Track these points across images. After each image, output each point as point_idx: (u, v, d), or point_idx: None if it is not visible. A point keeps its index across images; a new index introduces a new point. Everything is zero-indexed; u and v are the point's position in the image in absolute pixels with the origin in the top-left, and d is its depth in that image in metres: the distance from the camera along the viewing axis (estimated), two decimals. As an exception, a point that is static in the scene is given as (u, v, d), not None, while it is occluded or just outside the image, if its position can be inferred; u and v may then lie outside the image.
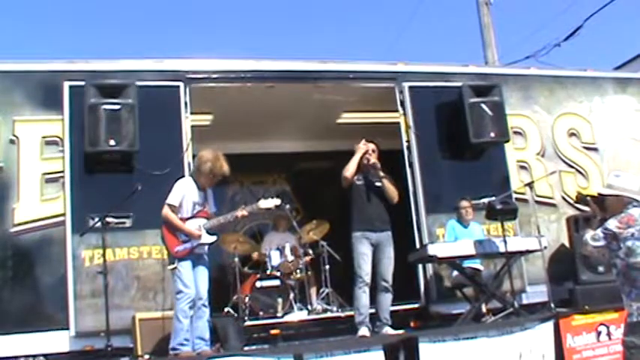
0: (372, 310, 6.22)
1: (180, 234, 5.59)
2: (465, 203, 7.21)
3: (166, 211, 5.60)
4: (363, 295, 6.12)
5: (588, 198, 4.93)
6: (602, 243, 4.38)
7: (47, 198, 6.42)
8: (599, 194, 4.64)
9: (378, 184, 6.35)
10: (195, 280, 5.54)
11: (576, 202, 7.58)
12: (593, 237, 4.44)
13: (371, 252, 6.19)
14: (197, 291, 5.53)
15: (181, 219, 5.61)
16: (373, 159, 6.38)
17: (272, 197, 5.95)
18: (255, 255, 8.25)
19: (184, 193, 5.65)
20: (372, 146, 6.45)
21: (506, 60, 12.67)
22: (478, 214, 7.27)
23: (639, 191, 4.42)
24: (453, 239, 6.93)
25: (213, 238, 5.69)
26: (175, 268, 5.54)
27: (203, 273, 5.64)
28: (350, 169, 6.30)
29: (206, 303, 5.60)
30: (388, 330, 6.12)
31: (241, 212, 5.72)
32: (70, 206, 6.36)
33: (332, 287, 7.58)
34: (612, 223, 4.33)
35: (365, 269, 6.12)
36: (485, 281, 6.82)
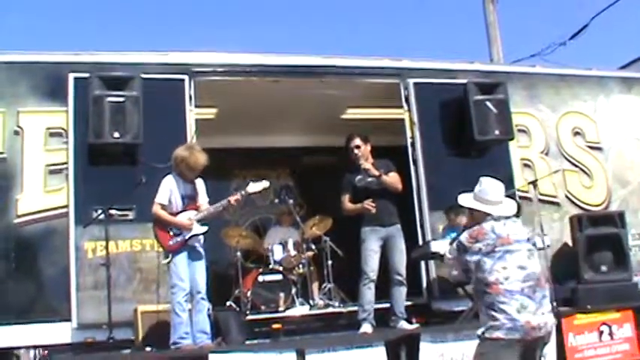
0: (387, 305, 6.17)
1: (171, 228, 5.60)
2: (463, 220, 7.07)
3: (155, 208, 5.63)
4: (367, 292, 6.08)
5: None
6: (454, 255, 4.19)
7: (51, 189, 6.41)
8: (459, 204, 4.40)
9: (377, 180, 6.26)
10: (191, 274, 5.54)
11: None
12: (449, 249, 4.28)
13: (379, 248, 6.15)
14: (195, 284, 5.52)
15: (171, 214, 5.63)
16: (364, 163, 6.23)
17: (260, 180, 5.85)
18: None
19: (171, 189, 5.66)
20: (356, 142, 6.30)
21: (511, 58, 12.62)
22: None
23: (499, 202, 4.21)
24: None
25: (205, 229, 5.67)
26: (170, 261, 5.54)
27: (200, 266, 5.63)
28: (347, 209, 6.30)
29: (204, 296, 5.59)
30: (404, 324, 6.06)
31: (234, 198, 5.67)
32: (74, 198, 6.34)
33: (334, 282, 7.57)
34: (464, 236, 4.14)
35: (371, 266, 6.08)
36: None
